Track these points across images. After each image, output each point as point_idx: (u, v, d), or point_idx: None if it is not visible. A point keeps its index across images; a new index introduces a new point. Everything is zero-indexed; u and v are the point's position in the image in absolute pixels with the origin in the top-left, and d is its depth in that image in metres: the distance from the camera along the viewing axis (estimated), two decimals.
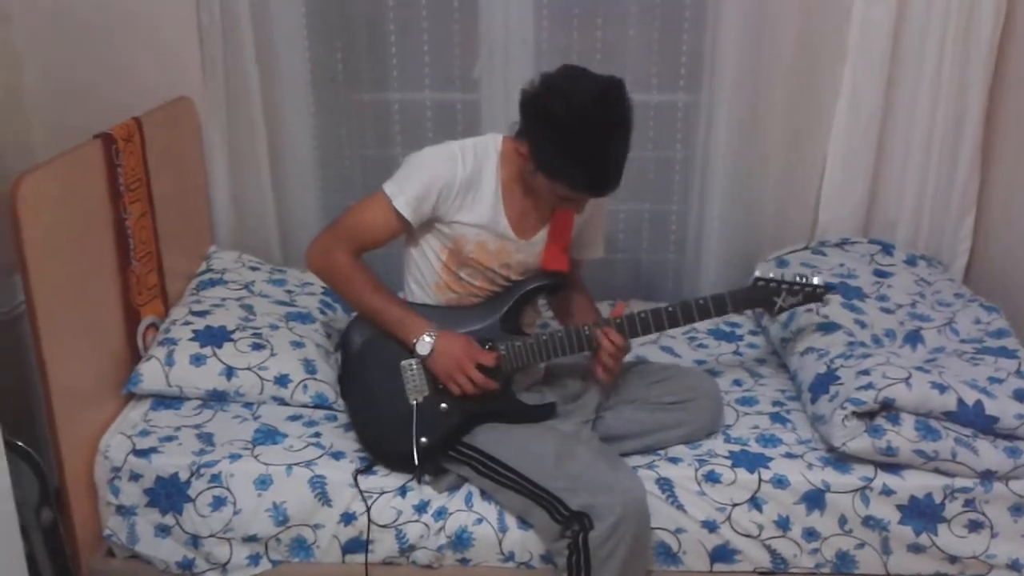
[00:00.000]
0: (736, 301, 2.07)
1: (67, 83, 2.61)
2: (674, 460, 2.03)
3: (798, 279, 2.09)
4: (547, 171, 1.87)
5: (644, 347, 2.53)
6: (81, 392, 2.07)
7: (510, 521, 1.97)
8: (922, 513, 1.95)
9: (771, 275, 2.10)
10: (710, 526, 1.96)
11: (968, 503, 1.95)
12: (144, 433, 2.10)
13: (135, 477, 2.03)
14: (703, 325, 2.66)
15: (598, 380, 2.05)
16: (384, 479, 2.01)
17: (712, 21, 2.62)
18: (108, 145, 2.16)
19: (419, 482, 2.00)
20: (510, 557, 1.98)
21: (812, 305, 2.14)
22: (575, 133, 1.81)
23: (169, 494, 2.01)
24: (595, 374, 2.04)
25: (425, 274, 2.06)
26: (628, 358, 2.37)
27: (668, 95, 2.77)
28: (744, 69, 2.61)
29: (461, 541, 1.97)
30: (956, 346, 2.23)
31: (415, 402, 2.00)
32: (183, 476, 2.01)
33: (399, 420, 2.00)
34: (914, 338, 2.27)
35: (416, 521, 1.98)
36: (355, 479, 1.99)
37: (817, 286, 2.08)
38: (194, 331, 2.28)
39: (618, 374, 2.08)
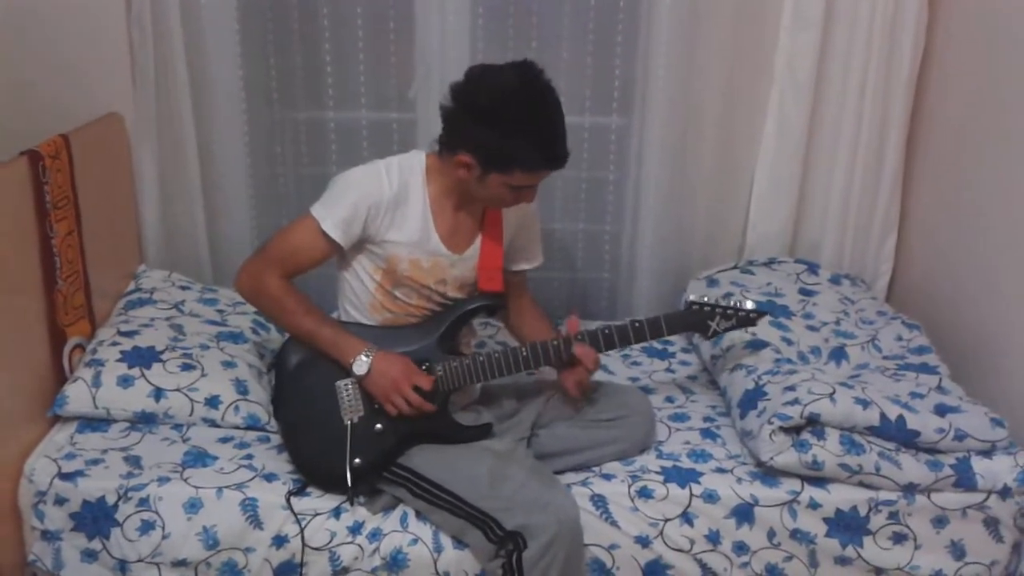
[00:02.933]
0: (671, 325, 2.10)
1: None
2: (608, 476, 2.05)
3: (733, 304, 2.13)
4: (500, 165, 1.88)
5: None
6: (5, 414, 2.01)
7: (445, 541, 1.96)
8: (848, 526, 2.00)
9: (705, 299, 2.13)
10: (643, 541, 1.98)
11: (892, 516, 2.00)
12: (70, 456, 2.05)
13: (60, 501, 1.97)
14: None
15: (570, 395, 2.08)
16: (317, 501, 1.99)
17: (643, 46, 2.67)
18: (35, 162, 2.11)
19: (352, 504, 1.99)
20: None
21: (746, 329, 2.19)
22: (516, 115, 1.83)
23: (96, 518, 1.96)
24: (569, 391, 2.06)
25: (360, 295, 2.06)
26: None
27: (601, 117, 2.82)
28: (675, 93, 2.67)
29: (396, 562, 1.96)
30: (879, 362, 2.30)
31: (350, 422, 1.99)
32: (110, 500, 1.96)
33: (333, 441, 1.98)
34: (838, 355, 2.33)
35: (350, 543, 1.96)
36: (288, 501, 1.96)
37: (751, 311, 2.13)
38: (122, 352, 2.24)
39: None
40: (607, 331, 2.05)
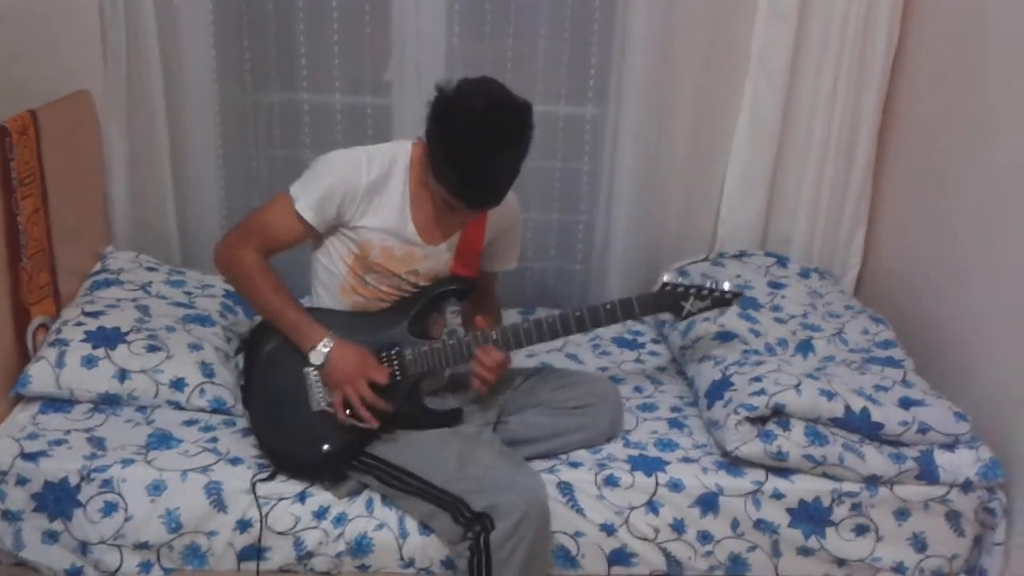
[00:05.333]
0: (644, 305, 2.08)
1: None
2: (575, 464, 2.05)
3: (708, 284, 2.11)
4: (434, 171, 1.86)
5: (550, 354, 2.56)
6: None
7: (411, 527, 1.96)
8: (811, 516, 2.02)
9: (679, 279, 2.12)
10: (608, 529, 1.99)
11: (855, 507, 2.02)
12: (32, 436, 2.03)
13: (22, 481, 1.95)
14: (607, 332, 2.70)
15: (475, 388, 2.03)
16: (282, 485, 1.98)
17: (620, 36, 2.67)
18: (1, 137, 2.08)
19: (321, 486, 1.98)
20: (410, 563, 1.97)
21: (719, 310, 2.16)
22: (461, 141, 1.79)
23: (58, 499, 1.94)
24: (473, 383, 2.03)
25: (331, 278, 2.05)
26: (532, 363, 2.40)
27: (576, 107, 2.81)
28: (650, 84, 2.67)
29: (360, 547, 1.96)
30: (845, 355, 2.32)
31: (317, 409, 1.98)
32: (73, 481, 1.94)
33: (302, 427, 1.98)
34: (805, 347, 2.34)
35: (315, 528, 1.95)
36: (254, 488, 1.95)
37: (726, 291, 2.11)
38: (86, 332, 2.21)
39: (502, 385, 2.09)
40: (578, 313, 2.05)
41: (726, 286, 2.11)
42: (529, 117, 1.83)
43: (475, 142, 1.79)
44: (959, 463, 2.02)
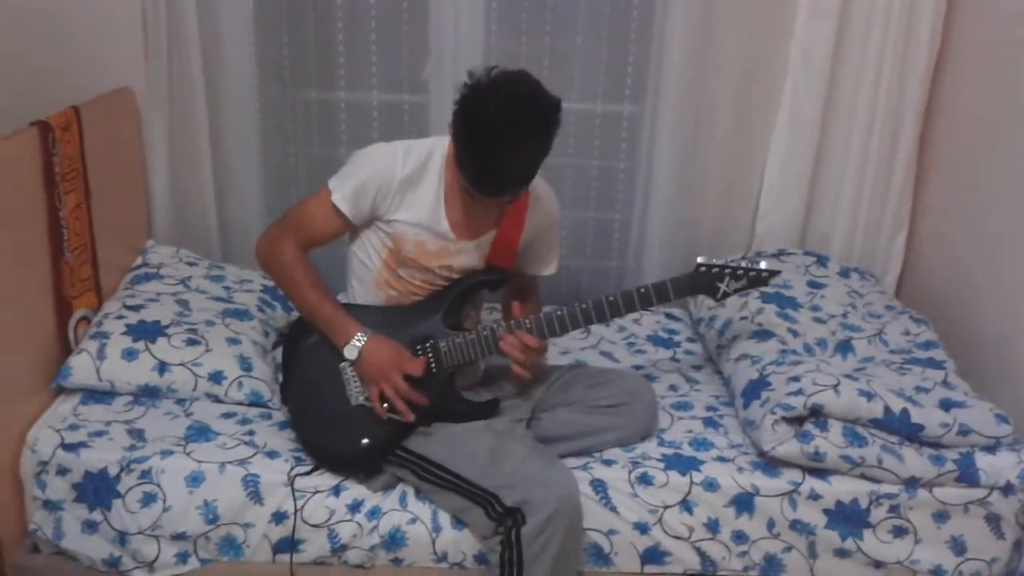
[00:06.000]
0: (678, 288, 2.04)
1: (4, 69, 2.55)
2: (608, 462, 2.05)
3: (743, 263, 2.07)
4: (456, 156, 1.86)
5: (584, 351, 2.55)
6: (9, 384, 2.02)
7: (444, 521, 1.97)
8: (848, 518, 1.99)
9: (714, 260, 2.08)
10: (642, 528, 1.98)
11: (893, 509, 2.00)
12: (73, 427, 2.06)
13: (63, 471, 1.98)
14: (642, 330, 2.69)
15: (516, 376, 2.01)
16: (318, 479, 1.99)
17: (658, 34, 2.66)
18: (45, 133, 2.12)
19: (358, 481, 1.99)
20: (443, 557, 1.98)
21: (756, 290, 2.11)
22: (482, 128, 1.78)
23: (97, 489, 1.97)
24: (512, 370, 2.02)
25: (366, 272, 2.06)
26: (567, 361, 2.40)
27: (614, 105, 2.80)
28: (688, 82, 2.65)
29: (394, 541, 1.97)
30: (885, 356, 2.28)
31: (356, 404, 1.99)
32: (112, 471, 1.97)
33: (341, 422, 1.99)
34: (845, 347, 2.32)
35: (349, 520, 1.97)
36: (292, 481, 1.97)
37: (762, 270, 2.06)
38: (127, 325, 2.24)
39: (539, 373, 2.07)
40: (612, 298, 2.02)
41: (762, 264, 2.08)
42: (556, 115, 1.81)
43: (496, 130, 1.78)
44: (1000, 465, 1.98)
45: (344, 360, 1.99)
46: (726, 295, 2.08)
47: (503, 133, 1.78)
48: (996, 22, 2.42)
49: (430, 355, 2.01)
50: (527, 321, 2.00)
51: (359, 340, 1.95)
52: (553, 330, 2.01)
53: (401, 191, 1.96)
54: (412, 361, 1.97)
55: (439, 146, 2.01)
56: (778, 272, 2.11)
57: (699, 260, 2.09)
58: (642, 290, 2.03)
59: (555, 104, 1.81)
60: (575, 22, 2.70)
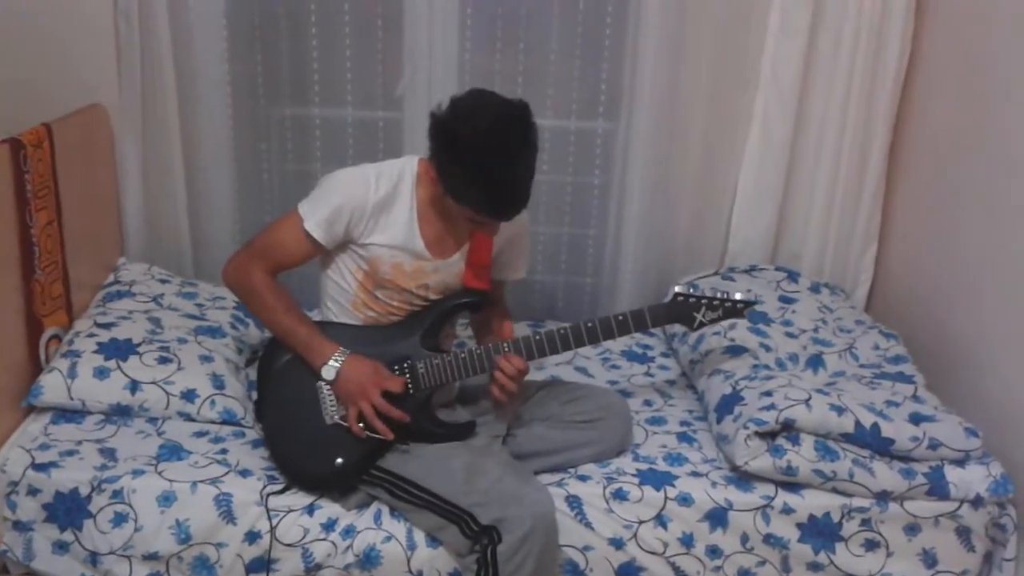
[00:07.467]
0: (656, 316, 2.08)
1: None
2: (583, 478, 2.05)
3: (719, 294, 2.11)
4: (454, 195, 1.87)
5: (559, 367, 2.56)
6: None
7: (419, 539, 1.96)
8: (820, 532, 2.01)
9: (691, 290, 2.12)
10: (617, 543, 1.99)
11: (865, 522, 2.01)
12: (44, 447, 2.04)
13: (33, 492, 1.96)
14: (617, 346, 2.70)
15: (495, 399, 2.03)
16: (291, 497, 1.98)
17: (631, 52, 2.68)
18: (16, 151, 2.10)
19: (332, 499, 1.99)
20: (419, 575, 1.98)
21: (731, 320, 2.15)
22: (478, 158, 1.80)
23: (68, 509, 1.96)
24: (491, 393, 2.02)
25: (342, 295, 2.05)
26: (541, 377, 2.40)
27: (587, 122, 2.82)
28: (661, 98, 2.68)
29: (369, 559, 1.96)
30: (856, 370, 2.31)
31: (331, 423, 1.98)
32: (83, 491, 1.95)
33: (315, 441, 1.98)
34: (816, 362, 2.34)
35: (323, 539, 1.96)
36: (265, 500, 1.96)
37: (738, 301, 2.10)
38: (99, 343, 2.23)
39: (519, 396, 2.07)
40: (590, 324, 2.05)
41: (738, 296, 2.11)
42: (529, 115, 1.84)
43: (492, 158, 1.80)
44: (970, 479, 2.01)
45: (320, 379, 1.98)
46: (702, 325, 2.11)
47: (499, 157, 1.80)
48: (963, 41, 2.46)
49: (407, 376, 2.01)
50: (505, 345, 2.01)
51: (336, 360, 1.95)
52: (531, 354, 2.02)
53: (375, 215, 1.96)
54: (391, 378, 1.97)
55: (408, 166, 2.01)
56: (753, 303, 2.15)
57: (676, 289, 2.11)
58: (620, 317, 2.05)
59: (525, 107, 1.84)
60: (549, 39, 2.72)
